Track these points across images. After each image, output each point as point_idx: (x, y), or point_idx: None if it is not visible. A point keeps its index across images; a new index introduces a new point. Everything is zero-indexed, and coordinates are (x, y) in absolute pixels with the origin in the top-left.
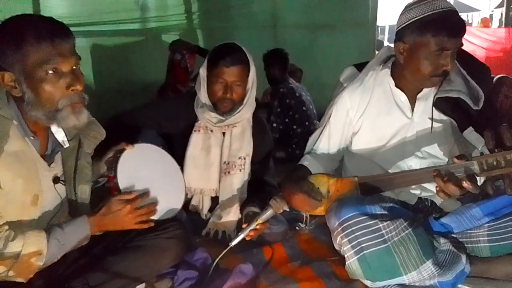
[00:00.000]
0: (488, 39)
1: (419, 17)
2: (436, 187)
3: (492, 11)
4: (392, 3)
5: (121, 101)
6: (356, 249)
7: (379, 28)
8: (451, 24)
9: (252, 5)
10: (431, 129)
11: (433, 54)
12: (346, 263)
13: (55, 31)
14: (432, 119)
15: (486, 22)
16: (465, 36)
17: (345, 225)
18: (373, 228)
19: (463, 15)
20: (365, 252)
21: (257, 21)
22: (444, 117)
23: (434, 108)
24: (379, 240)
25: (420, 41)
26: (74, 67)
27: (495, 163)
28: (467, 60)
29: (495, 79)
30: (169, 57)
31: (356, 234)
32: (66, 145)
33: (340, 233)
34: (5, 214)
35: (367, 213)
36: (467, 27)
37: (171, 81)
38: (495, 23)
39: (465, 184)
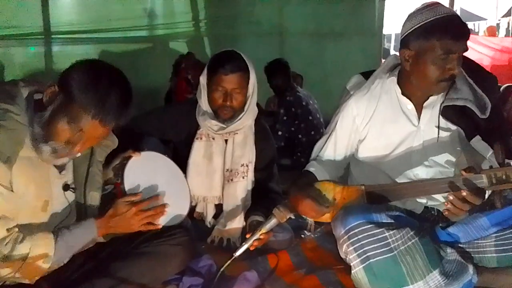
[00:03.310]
0: (495, 48)
1: (423, 23)
2: (446, 203)
3: (499, 20)
4: (399, 12)
5: None
6: (362, 257)
7: (385, 37)
8: (456, 28)
9: (259, 13)
10: (438, 137)
11: (439, 58)
12: (352, 271)
13: (111, 115)
14: (438, 127)
15: (492, 31)
16: (472, 45)
17: (351, 233)
18: (379, 236)
19: (470, 24)
20: (371, 260)
21: (263, 28)
22: (451, 126)
23: (441, 116)
24: (386, 249)
25: (425, 46)
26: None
27: (504, 177)
28: (474, 69)
29: (502, 88)
30: (175, 62)
31: (362, 242)
32: (78, 154)
33: (346, 241)
34: (16, 217)
35: (374, 222)
36: (474, 36)
37: (176, 90)
38: (502, 32)
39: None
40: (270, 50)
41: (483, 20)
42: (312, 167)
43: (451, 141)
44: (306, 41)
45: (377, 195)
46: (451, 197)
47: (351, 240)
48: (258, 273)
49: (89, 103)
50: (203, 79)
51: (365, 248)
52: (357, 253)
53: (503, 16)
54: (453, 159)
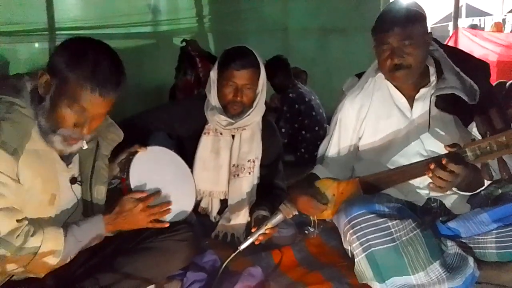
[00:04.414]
0: (501, 44)
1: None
2: (428, 173)
3: (505, 15)
4: None
5: (132, 103)
6: (364, 246)
7: None
8: (384, 21)
9: (263, 9)
10: (429, 127)
11: (380, 50)
12: (355, 260)
13: (108, 84)
14: (429, 117)
15: (498, 27)
16: (477, 40)
17: (354, 222)
18: (382, 226)
19: (476, 20)
20: (373, 249)
21: (267, 24)
22: (446, 115)
23: (434, 107)
24: (388, 238)
25: (374, 42)
26: (98, 117)
27: (488, 147)
28: (463, 59)
29: (508, 84)
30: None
31: (364, 231)
32: (85, 147)
33: (349, 229)
34: (24, 210)
35: (376, 212)
36: (479, 32)
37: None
38: (508, 27)
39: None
40: (274, 46)
41: (489, 15)
42: (316, 170)
43: (446, 130)
44: (310, 37)
45: (372, 185)
46: (431, 166)
47: (354, 229)
48: (262, 269)
49: (84, 79)
50: (213, 74)
51: (367, 237)
52: (360, 241)
53: (509, 12)
54: None
